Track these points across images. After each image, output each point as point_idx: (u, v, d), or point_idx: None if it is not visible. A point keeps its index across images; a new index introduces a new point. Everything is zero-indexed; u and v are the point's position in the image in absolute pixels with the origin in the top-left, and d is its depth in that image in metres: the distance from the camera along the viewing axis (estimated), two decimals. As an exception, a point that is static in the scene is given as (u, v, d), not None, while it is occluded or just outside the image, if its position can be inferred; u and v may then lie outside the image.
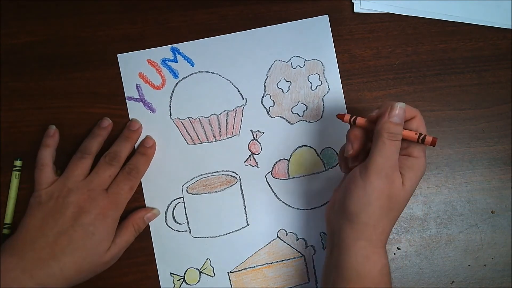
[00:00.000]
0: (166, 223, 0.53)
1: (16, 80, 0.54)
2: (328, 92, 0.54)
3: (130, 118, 0.54)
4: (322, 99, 0.54)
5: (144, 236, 0.53)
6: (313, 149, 0.54)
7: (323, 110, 0.54)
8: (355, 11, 0.54)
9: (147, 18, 0.54)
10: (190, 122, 0.53)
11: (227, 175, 0.54)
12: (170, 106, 0.54)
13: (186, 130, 0.54)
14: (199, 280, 0.53)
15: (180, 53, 0.54)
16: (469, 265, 0.53)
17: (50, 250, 0.46)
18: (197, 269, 0.53)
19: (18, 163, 0.52)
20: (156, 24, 0.54)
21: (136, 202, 0.53)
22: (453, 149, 0.54)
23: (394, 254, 0.53)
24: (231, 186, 0.53)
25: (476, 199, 0.53)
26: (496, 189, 0.53)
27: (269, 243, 0.53)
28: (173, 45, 0.54)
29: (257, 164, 0.54)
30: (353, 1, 0.54)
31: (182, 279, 0.53)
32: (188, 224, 0.53)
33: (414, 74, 0.54)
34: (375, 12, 0.54)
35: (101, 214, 0.48)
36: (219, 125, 0.54)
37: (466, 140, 0.54)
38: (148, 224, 0.52)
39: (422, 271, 0.53)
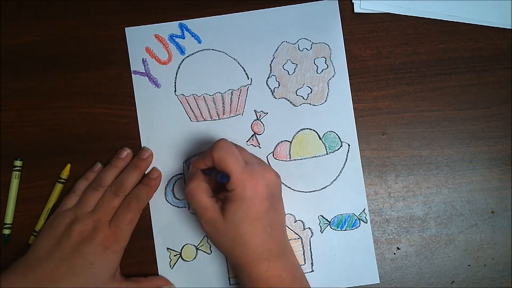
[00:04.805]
0: (166, 199, 0.53)
1: (16, 80, 0.54)
2: (333, 76, 0.54)
3: (135, 93, 0.54)
4: (328, 83, 0.54)
5: (144, 235, 0.53)
6: (316, 132, 0.54)
7: (327, 94, 0.54)
8: (355, 11, 0.54)
9: (147, 19, 0.54)
10: (195, 99, 0.53)
11: None
12: (175, 82, 0.54)
13: (190, 107, 0.54)
14: (195, 257, 0.53)
15: (188, 30, 0.54)
16: (469, 265, 0.53)
17: (51, 274, 0.47)
18: (194, 245, 0.53)
19: (18, 163, 0.52)
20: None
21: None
22: (453, 149, 0.54)
23: (394, 254, 0.53)
24: None
25: (476, 199, 0.53)
26: (496, 189, 0.53)
27: None
28: (181, 21, 0.54)
29: (259, 144, 0.54)
30: (353, 1, 0.54)
31: (179, 255, 0.53)
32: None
33: (414, 74, 0.54)
34: (375, 12, 0.54)
35: (101, 245, 0.48)
36: (223, 103, 0.54)
37: (466, 140, 0.54)
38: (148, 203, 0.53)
39: (422, 271, 0.53)
